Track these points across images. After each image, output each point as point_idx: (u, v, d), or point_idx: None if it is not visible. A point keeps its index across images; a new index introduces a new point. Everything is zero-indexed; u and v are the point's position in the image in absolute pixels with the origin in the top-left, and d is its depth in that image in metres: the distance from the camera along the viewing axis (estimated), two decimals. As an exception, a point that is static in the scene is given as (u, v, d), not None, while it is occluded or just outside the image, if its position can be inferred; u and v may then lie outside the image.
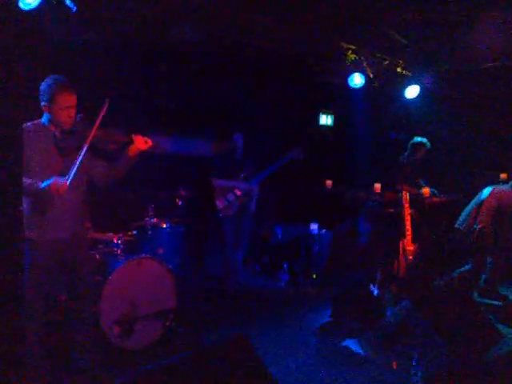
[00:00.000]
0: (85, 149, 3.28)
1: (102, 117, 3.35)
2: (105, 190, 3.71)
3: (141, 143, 3.51)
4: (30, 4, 4.15)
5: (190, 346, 4.38)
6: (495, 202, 5.70)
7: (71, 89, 3.35)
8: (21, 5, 4.14)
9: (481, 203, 5.79)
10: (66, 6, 4.30)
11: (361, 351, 4.47)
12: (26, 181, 3.11)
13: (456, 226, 5.95)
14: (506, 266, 5.90)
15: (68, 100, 3.32)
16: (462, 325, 4.18)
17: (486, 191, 5.83)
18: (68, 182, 3.17)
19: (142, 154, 3.61)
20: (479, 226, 5.75)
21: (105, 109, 3.34)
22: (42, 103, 3.32)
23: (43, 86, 3.33)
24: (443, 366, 3.89)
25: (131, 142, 3.51)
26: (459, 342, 4.05)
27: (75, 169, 3.22)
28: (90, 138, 3.29)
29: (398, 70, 6.93)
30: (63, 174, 3.28)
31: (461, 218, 5.98)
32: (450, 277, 5.88)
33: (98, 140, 3.38)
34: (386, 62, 6.82)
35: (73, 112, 3.37)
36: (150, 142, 3.55)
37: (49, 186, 3.11)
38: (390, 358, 4.20)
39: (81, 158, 3.25)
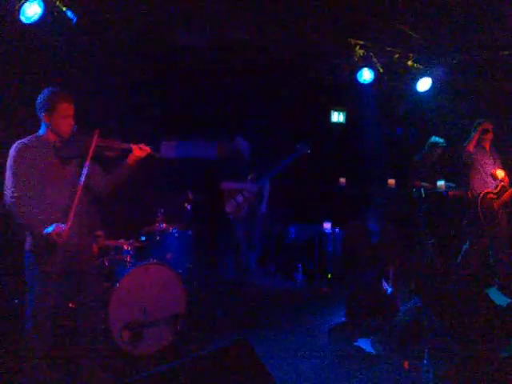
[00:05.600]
0: (85, 172, 3.30)
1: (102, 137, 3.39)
2: (105, 197, 3.70)
3: (139, 151, 3.54)
4: (31, 17, 4.23)
5: (201, 350, 4.38)
6: None
7: (70, 98, 3.41)
8: (22, 18, 4.23)
9: None
10: (67, 18, 4.37)
11: (373, 351, 4.42)
12: (30, 220, 3.17)
13: None
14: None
15: (68, 109, 3.39)
16: (475, 322, 4.09)
17: None
18: (68, 228, 3.18)
19: (145, 160, 3.63)
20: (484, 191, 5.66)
21: (95, 139, 3.36)
22: (42, 113, 3.36)
23: (42, 96, 3.38)
24: (455, 364, 3.82)
25: (130, 149, 3.53)
26: (472, 339, 3.97)
27: (74, 210, 3.22)
28: (90, 155, 3.32)
29: (409, 63, 6.80)
30: (65, 183, 3.34)
31: None
32: (459, 265, 5.77)
33: (97, 149, 3.41)
34: (396, 56, 6.72)
35: (72, 121, 3.42)
36: (147, 149, 3.56)
37: (50, 233, 3.13)
38: (401, 356, 4.15)
39: (82, 181, 3.27)
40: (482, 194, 5.70)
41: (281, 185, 6.46)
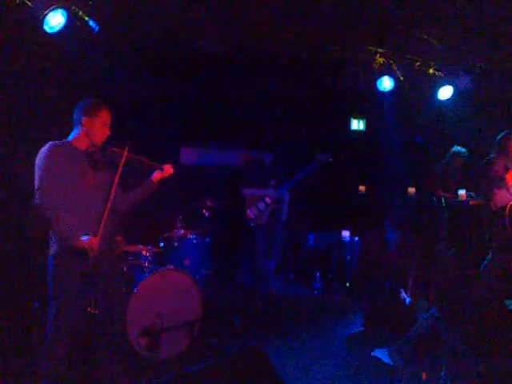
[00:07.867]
0: (115, 185, 3.33)
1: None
2: (123, 211, 3.73)
3: (169, 170, 3.59)
4: (54, 27, 4.33)
5: (217, 356, 4.40)
6: None
7: (110, 109, 3.46)
8: (46, 28, 4.33)
9: None
10: (89, 27, 4.45)
11: (390, 361, 4.38)
12: (64, 228, 3.16)
13: None
14: None
15: (108, 117, 3.42)
16: (494, 334, 4.02)
17: None
18: (98, 240, 3.20)
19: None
20: None
21: (125, 152, 3.38)
22: (82, 116, 3.35)
23: (84, 101, 3.42)
24: (474, 377, 3.76)
25: (160, 168, 3.56)
26: (491, 352, 3.90)
27: (104, 222, 3.23)
28: (121, 167, 3.34)
29: (430, 71, 6.75)
30: (96, 188, 3.34)
31: None
32: (479, 276, 5.66)
33: (127, 163, 3.40)
34: (417, 64, 6.67)
35: (108, 131, 3.45)
36: (171, 170, 3.61)
37: (84, 245, 3.15)
38: (419, 368, 4.09)
39: (112, 198, 3.29)
40: (509, 206, 5.59)
41: (300, 192, 6.46)
